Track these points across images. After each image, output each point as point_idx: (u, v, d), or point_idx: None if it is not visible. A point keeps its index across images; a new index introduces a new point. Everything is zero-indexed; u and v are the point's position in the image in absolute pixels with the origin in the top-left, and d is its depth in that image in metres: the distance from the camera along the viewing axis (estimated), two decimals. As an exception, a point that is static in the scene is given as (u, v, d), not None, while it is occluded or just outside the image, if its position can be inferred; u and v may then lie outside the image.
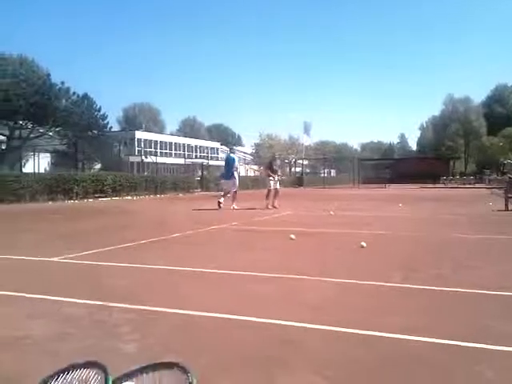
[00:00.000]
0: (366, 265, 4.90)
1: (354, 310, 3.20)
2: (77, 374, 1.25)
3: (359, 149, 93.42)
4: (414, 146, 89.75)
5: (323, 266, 4.85)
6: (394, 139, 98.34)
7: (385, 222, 9.69)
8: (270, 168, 13.92)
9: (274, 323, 2.87)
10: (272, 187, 13.46)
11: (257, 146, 63.67)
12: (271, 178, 13.55)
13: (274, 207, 13.13)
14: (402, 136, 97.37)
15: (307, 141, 54.84)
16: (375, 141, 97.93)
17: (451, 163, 57.35)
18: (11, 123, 29.44)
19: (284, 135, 65.71)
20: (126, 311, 3.13)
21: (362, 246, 5.80)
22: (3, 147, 28.45)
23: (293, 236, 6.64)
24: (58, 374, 1.25)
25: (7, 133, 29.64)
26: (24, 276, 4.41)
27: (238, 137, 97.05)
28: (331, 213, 11.14)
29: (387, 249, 6.09)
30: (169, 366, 1.41)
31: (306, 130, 54.01)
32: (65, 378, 1.26)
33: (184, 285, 3.99)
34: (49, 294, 3.57)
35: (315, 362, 2.29)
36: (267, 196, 13.53)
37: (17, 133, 29.64)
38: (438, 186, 38.98)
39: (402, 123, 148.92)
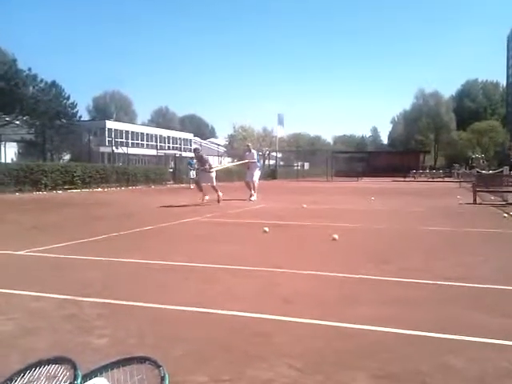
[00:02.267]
0: (338, 257, 4.97)
1: (326, 302, 3.24)
2: (45, 369, 1.22)
3: (332, 142, 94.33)
4: (385, 140, 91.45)
5: (296, 258, 4.89)
6: (366, 132, 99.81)
7: (357, 215, 9.82)
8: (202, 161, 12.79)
9: (247, 316, 2.88)
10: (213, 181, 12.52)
11: (230, 137, 63.40)
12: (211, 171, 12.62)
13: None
14: (375, 129, 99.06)
15: (281, 133, 54.87)
16: (348, 134, 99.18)
17: (421, 157, 58.63)
18: (-25, 111, 28.41)
19: (258, 127, 65.67)
20: (97, 305, 3.08)
21: (334, 239, 5.87)
22: (-33, 136, 27.43)
23: (266, 229, 6.66)
24: (25, 370, 1.21)
25: (-28, 121, 28.61)
26: (-10, 269, 4.28)
27: (212, 128, 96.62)
28: (304, 206, 11.22)
29: (359, 241, 6.19)
30: (140, 360, 1.40)
31: (280, 121, 54.00)
32: (32, 375, 1.22)
33: (156, 278, 3.96)
34: (16, 288, 3.48)
35: (287, 354, 2.31)
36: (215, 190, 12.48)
37: (-18, 121, 28.65)
38: (408, 179, 39.79)
39: (374, 117, 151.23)
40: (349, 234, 6.60)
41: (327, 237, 6.03)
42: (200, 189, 12.62)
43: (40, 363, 1.24)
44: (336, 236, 5.91)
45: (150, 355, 2.23)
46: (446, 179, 39.61)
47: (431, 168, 54.77)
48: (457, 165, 50.39)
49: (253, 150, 14.44)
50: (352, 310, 3.06)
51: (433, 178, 42.79)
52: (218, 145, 63.80)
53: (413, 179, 40.40)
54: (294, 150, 60.79)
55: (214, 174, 12.65)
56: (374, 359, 2.26)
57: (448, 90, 79.57)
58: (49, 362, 1.26)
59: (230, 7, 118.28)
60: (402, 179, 38.41)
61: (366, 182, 33.64)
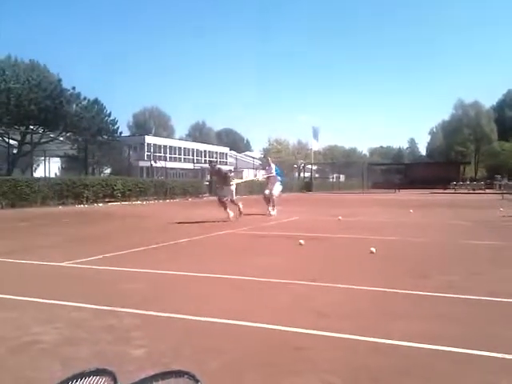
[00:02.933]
0: (376, 271, 4.87)
1: (363, 317, 3.18)
2: (86, 381, 1.25)
3: (368, 154, 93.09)
4: (423, 151, 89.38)
5: (333, 271, 4.83)
6: (403, 144, 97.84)
7: (395, 227, 9.63)
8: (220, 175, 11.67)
9: (283, 330, 2.86)
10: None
11: (265, 150, 63.70)
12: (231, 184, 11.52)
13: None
14: (412, 141, 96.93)
15: (316, 145, 54.71)
16: (384, 146, 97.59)
17: (461, 168, 56.96)
18: (23, 128, 29.75)
19: (293, 140, 65.81)
20: (135, 316, 3.14)
21: (372, 252, 5.77)
22: (15, 152, 28.73)
23: (302, 241, 6.62)
24: (66, 381, 1.25)
25: (19, 137, 29.95)
26: (34, 281, 4.45)
27: (247, 141, 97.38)
28: (340, 218, 11.09)
29: (397, 255, 6.05)
30: (178, 374, 1.41)
31: (315, 134, 53.87)
32: None
33: (193, 290, 4.00)
34: (58, 299, 3.59)
35: (323, 369, 2.28)
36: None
37: (28, 137, 29.93)
38: (447, 191, 38.71)
39: (411, 128, 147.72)
40: (387, 247, 6.47)
41: (364, 250, 5.94)
42: (223, 206, 11.15)
43: (83, 374, 1.28)
44: (374, 249, 5.81)
45: (187, 368, 2.25)
46: (488, 191, 38.21)
47: (472, 179, 53.07)
48: (499, 176, 48.58)
49: (272, 164, 13.73)
50: (389, 325, 2.99)
51: (473, 189, 41.36)
52: (254, 158, 64.16)
53: (453, 191, 39.23)
54: (330, 162, 60.32)
55: (233, 187, 11.56)
56: (413, 377, 2.19)
57: (489, 100, 77.40)
58: (91, 373, 1.29)
59: (264, 23, 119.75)
60: (442, 191, 37.39)
61: (404, 194, 32.93)
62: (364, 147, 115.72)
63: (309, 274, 4.54)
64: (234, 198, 11.46)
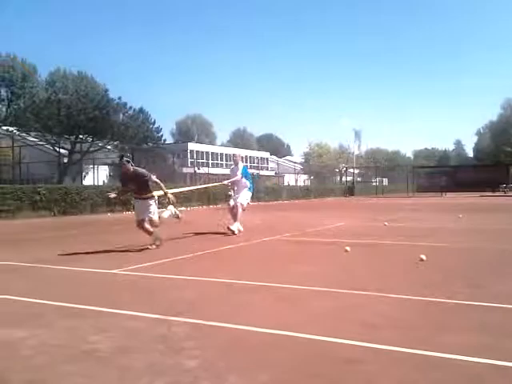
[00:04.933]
0: (426, 279, 4.74)
1: (414, 328, 3.11)
2: None
3: (412, 156, 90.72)
4: (470, 153, 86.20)
5: (381, 280, 4.74)
6: (449, 146, 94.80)
7: (444, 233, 9.34)
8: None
9: (332, 341, 2.84)
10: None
11: (306, 155, 63.35)
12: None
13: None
14: (458, 142, 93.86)
15: (357, 149, 53.97)
16: (429, 148, 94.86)
17: (511, 170, 54.45)
18: (73, 137, 31.01)
19: (334, 144, 65.07)
20: (186, 325, 3.20)
21: (422, 259, 5.62)
22: (65, 161, 29.99)
23: (348, 248, 6.54)
24: None
25: (69, 147, 31.26)
26: (88, 288, 4.61)
27: (288, 146, 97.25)
28: (385, 223, 10.87)
29: (448, 262, 5.87)
30: None
31: (357, 137, 53.21)
32: None
33: (241, 298, 4.04)
34: (112, 307, 3.71)
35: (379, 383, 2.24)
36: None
37: (78, 147, 31.18)
38: (497, 194, 37.13)
39: (457, 129, 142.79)
40: (436, 254, 6.29)
41: (413, 257, 5.79)
42: (147, 232, 7.65)
43: None
44: (423, 256, 5.65)
45: (239, 379, 2.29)
46: (542, 193, 36.37)
47: (523, 182, 50.59)
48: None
49: (240, 163, 9.91)
50: (441, 337, 2.91)
51: (526, 192, 39.44)
52: (295, 162, 64.00)
53: (502, 194, 37.57)
54: (372, 165, 59.23)
55: (153, 202, 7.74)
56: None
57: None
58: None
59: (296, 26, 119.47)
60: (491, 194, 35.91)
61: (452, 198, 31.88)
62: (408, 150, 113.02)
63: (355, 283, 4.48)
64: (155, 217, 7.59)
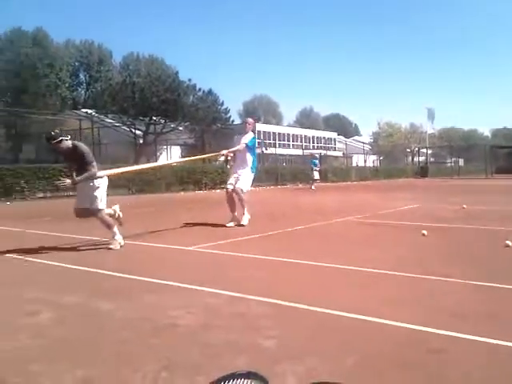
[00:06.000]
0: (515, 268, 4.42)
1: (504, 319, 2.90)
2: (238, 383, 1.27)
3: (490, 135, 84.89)
4: (559, 131, 79.13)
5: (464, 266, 4.47)
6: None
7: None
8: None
9: (414, 328, 2.71)
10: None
11: (375, 134, 61.35)
12: None
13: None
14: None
15: (431, 128, 51.36)
16: (509, 126, 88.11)
17: None
18: (147, 119, 32.22)
19: (405, 123, 62.39)
20: (263, 304, 3.21)
21: (508, 246, 5.25)
22: (140, 142, 31.27)
23: (425, 232, 6.26)
24: (220, 380, 1.28)
25: (143, 128, 32.54)
26: (167, 264, 4.78)
27: (355, 126, 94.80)
28: (464, 206, 10.28)
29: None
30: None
31: (430, 116, 50.56)
32: None
33: (316, 280, 4.00)
34: (191, 283, 3.80)
35: (475, 377, 2.11)
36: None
37: (151, 128, 32.37)
38: None
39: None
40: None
41: (498, 242, 5.43)
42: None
43: (234, 375, 1.30)
44: (510, 242, 5.28)
45: (321, 362, 2.26)
46: None
47: None
48: None
49: (251, 132, 7.97)
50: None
51: None
52: (363, 143, 62.28)
53: None
54: (446, 145, 56.20)
55: (100, 184, 5.73)
56: None
57: None
58: (242, 376, 1.30)
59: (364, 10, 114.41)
60: None
61: (537, 180, 29.53)
62: (485, 129, 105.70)
63: (436, 268, 4.27)
64: (99, 205, 5.64)
